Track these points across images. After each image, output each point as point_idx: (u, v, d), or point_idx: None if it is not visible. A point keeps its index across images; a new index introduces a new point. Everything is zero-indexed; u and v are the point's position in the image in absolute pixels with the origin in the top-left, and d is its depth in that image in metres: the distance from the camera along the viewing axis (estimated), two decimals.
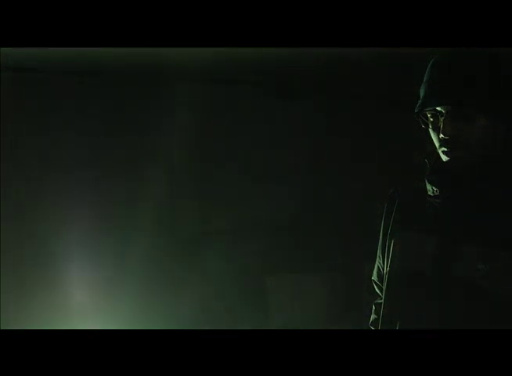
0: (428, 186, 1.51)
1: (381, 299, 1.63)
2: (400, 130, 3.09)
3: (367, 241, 1.95)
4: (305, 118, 3.51)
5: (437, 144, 1.47)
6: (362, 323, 1.87)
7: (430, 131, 1.48)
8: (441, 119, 1.42)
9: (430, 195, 1.51)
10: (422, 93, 1.48)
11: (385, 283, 1.58)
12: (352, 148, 3.52)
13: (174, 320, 3.17)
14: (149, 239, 3.23)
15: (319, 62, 2.95)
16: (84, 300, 3.19)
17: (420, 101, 1.47)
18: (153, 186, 3.25)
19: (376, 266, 1.73)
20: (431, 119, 1.46)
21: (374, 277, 1.75)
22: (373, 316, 1.75)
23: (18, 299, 3.12)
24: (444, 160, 1.46)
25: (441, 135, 1.42)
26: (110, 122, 3.28)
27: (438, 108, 1.43)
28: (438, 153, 1.47)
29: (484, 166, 1.43)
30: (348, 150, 3.52)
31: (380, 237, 1.66)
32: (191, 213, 3.38)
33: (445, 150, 1.43)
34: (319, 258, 3.42)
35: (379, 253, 1.69)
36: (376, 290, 1.75)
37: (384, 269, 1.63)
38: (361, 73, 3.25)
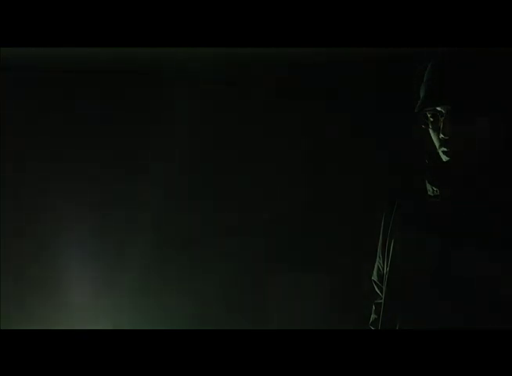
0: (428, 186, 1.51)
1: (381, 299, 1.63)
2: (400, 130, 3.09)
3: (367, 241, 1.95)
4: (305, 118, 3.51)
5: (437, 144, 1.47)
6: (362, 323, 1.87)
7: (430, 131, 1.48)
8: (441, 119, 1.42)
9: (430, 195, 1.51)
10: (422, 93, 1.48)
11: (385, 283, 1.58)
12: (352, 148, 3.52)
13: (174, 320, 3.17)
14: (149, 239, 3.23)
15: (319, 61, 2.95)
16: (85, 300, 3.19)
17: (420, 101, 1.47)
18: (153, 186, 3.25)
19: (376, 266, 1.73)
20: (431, 119, 1.46)
21: (374, 277, 1.75)
22: (373, 316, 1.75)
23: (18, 299, 3.12)
24: (444, 160, 1.46)
25: (441, 135, 1.42)
26: (111, 122, 3.28)
27: (438, 108, 1.43)
28: (438, 153, 1.47)
29: (484, 166, 1.43)
30: (348, 150, 3.52)
31: (380, 237, 1.66)
32: (191, 213, 3.37)
33: (445, 150, 1.43)
34: (319, 258, 3.41)
35: (379, 253, 1.69)
36: (376, 290, 1.75)
37: (384, 269, 1.63)
38: (361, 72, 3.25)
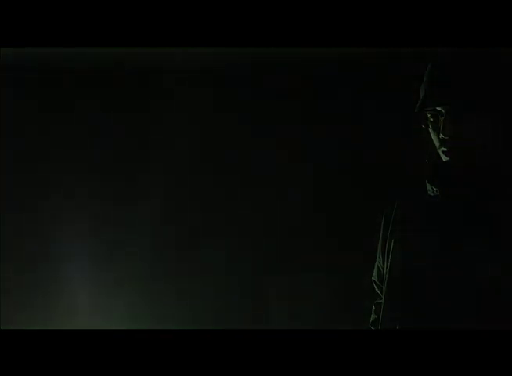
0: (428, 186, 1.51)
1: (381, 299, 1.63)
2: (400, 130, 3.09)
3: (367, 241, 1.95)
4: (305, 118, 3.51)
5: (437, 144, 1.47)
6: (362, 323, 1.87)
7: (430, 131, 1.48)
8: (441, 119, 1.42)
9: (430, 195, 1.51)
10: (422, 93, 1.48)
11: (385, 283, 1.58)
12: (352, 148, 3.52)
13: (173, 320, 3.17)
14: (149, 239, 3.23)
15: (319, 61, 2.95)
16: (84, 300, 3.19)
17: (420, 101, 1.47)
18: (153, 185, 3.25)
19: (376, 266, 1.73)
20: (431, 119, 1.46)
21: (374, 277, 1.75)
22: (373, 316, 1.75)
23: (18, 299, 3.12)
24: (444, 160, 1.46)
25: (441, 135, 1.42)
26: (111, 122, 3.28)
27: (438, 108, 1.43)
28: (438, 153, 1.47)
29: (484, 166, 1.43)
30: (348, 150, 3.52)
31: (380, 237, 1.66)
32: (191, 213, 3.37)
33: (445, 150, 1.44)
34: (319, 258, 3.42)
35: (379, 253, 1.69)
36: (376, 290, 1.75)
37: (383, 269, 1.63)
38: (361, 72, 3.25)
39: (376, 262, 1.72)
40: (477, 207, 1.41)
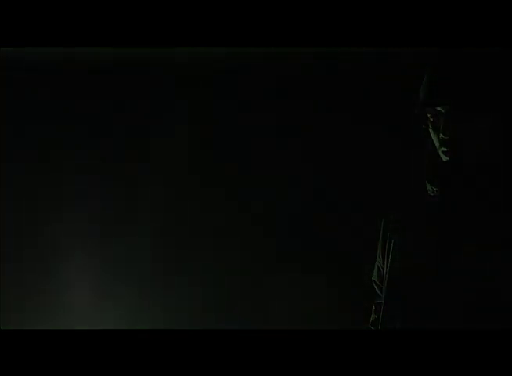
0: (428, 186, 1.51)
1: (381, 299, 1.63)
2: (400, 130, 3.09)
3: (367, 241, 1.95)
4: (305, 118, 3.51)
5: (437, 144, 1.47)
6: (362, 323, 1.87)
7: (431, 131, 1.48)
8: (441, 119, 1.42)
9: (430, 195, 1.51)
10: (422, 93, 1.48)
11: (385, 283, 1.58)
12: (352, 148, 3.52)
13: (174, 320, 3.17)
14: (149, 239, 3.23)
15: (318, 61, 2.96)
16: (85, 300, 3.19)
17: (419, 101, 1.47)
18: (153, 186, 3.24)
19: (376, 266, 1.73)
20: (431, 119, 1.46)
21: (374, 277, 1.75)
22: (373, 316, 1.75)
23: (18, 299, 3.12)
24: (444, 160, 1.46)
25: (441, 135, 1.43)
26: (111, 122, 3.28)
27: (438, 108, 1.43)
28: (438, 153, 1.47)
29: (484, 166, 1.43)
30: (348, 150, 3.52)
31: (380, 237, 1.66)
32: (191, 213, 3.37)
33: (445, 149, 1.44)
34: (319, 258, 3.42)
35: (379, 253, 1.69)
36: (376, 290, 1.75)
37: (383, 269, 1.63)
38: (360, 72, 3.25)
39: (376, 262, 1.72)
40: (477, 207, 1.41)
